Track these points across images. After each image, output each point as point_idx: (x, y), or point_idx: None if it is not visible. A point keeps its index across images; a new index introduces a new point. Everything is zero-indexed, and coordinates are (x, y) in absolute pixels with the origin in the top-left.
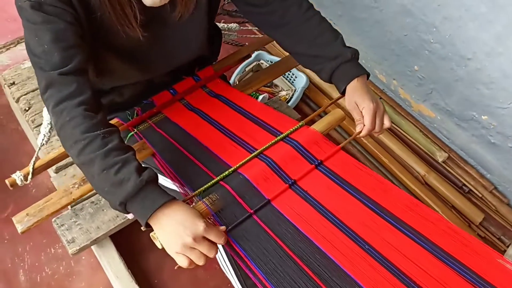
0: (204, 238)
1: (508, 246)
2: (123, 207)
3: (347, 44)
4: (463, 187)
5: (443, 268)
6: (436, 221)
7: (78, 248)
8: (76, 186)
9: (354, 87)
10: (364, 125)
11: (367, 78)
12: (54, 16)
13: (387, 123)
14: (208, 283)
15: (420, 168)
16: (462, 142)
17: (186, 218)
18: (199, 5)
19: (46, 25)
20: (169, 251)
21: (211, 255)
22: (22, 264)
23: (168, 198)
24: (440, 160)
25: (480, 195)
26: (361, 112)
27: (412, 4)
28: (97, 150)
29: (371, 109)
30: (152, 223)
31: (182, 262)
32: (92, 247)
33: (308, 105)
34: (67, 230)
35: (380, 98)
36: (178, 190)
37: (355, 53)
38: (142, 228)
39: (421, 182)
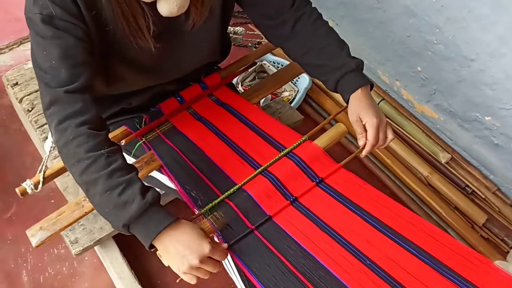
0: (209, 258)
1: (511, 247)
2: (126, 229)
3: (350, 45)
4: (466, 188)
5: (446, 283)
6: (438, 237)
7: (81, 248)
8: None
9: (358, 98)
10: (367, 140)
11: (371, 89)
12: (64, 31)
13: (390, 136)
14: (211, 284)
15: (423, 169)
16: (465, 143)
17: (192, 239)
18: (213, 13)
19: (55, 40)
20: (176, 271)
21: (215, 271)
22: (25, 264)
23: (172, 219)
24: (443, 161)
25: (483, 196)
26: (364, 126)
27: (415, 5)
28: (101, 170)
29: (374, 124)
30: (156, 244)
31: (190, 280)
32: (95, 247)
33: (311, 106)
34: (70, 230)
35: (383, 99)
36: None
37: (359, 64)
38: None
39: (424, 183)
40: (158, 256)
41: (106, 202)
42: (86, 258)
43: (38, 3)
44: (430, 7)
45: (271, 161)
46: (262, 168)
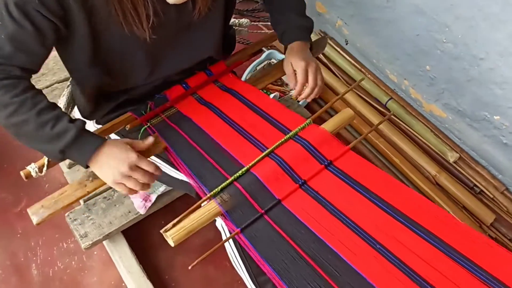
0: (138, 167)
1: None
2: (63, 155)
3: (358, 44)
4: (474, 187)
5: (455, 267)
6: (446, 220)
7: (90, 242)
8: (91, 179)
9: (291, 48)
10: (297, 82)
11: (311, 48)
12: (29, 19)
13: (319, 82)
14: (219, 280)
15: (431, 168)
16: (474, 142)
17: (120, 151)
18: (216, 5)
19: (16, 22)
20: (109, 182)
21: (145, 181)
22: (34, 258)
23: (102, 140)
24: (451, 160)
25: (492, 196)
26: (295, 75)
27: (424, 3)
28: (29, 111)
29: (302, 66)
30: (91, 164)
31: (122, 190)
32: (104, 242)
33: (319, 105)
34: (80, 224)
35: (391, 98)
36: (187, 181)
37: (304, 23)
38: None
39: (432, 182)
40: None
41: (39, 137)
42: (95, 252)
43: None
44: (439, 6)
45: (277, 143)
46: (269, 150)
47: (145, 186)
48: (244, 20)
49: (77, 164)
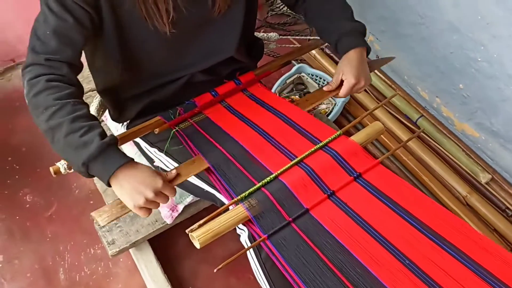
0: (161, 192)
1: None
2: (86, 169)
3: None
4: (506, 210)
5: (484, 287)
6: (477, 240)
7: (117, 250)
8: None
9: (347, 58)
10: (339, 93)
11: (368, 52)
12: (69, 12)
13: (359, 92)
14: None
15: (461, 189)
16: (507, 163)
17: (146, 175)
18: (237, 3)
19: (58, 16)
20: (129, 205)
21: (165, 203)
22: (62, 262)
23: (128, 159)
24: (483, 181)
25: None
26: (342, 80)
27: (459, 21)
28: (66, 116)
29: (351, 84)
30: (112, 182)
31: (144, 214)
32: (130, 250)
33: (348, 120)
34: (108, 231)
35: (422, 115)
36: (213, 192)
37: (357, 27)
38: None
39: (463, 203)
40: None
41: (68, 144)
42: (121, 259)
43: None
44: (475, 24)
45: (307, 153)
46: (298, 159)
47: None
48: (272, 34)
49: None
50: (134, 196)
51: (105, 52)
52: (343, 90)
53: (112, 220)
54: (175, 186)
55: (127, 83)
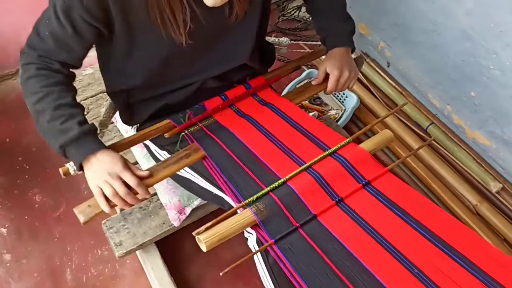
0: (119, 177)
1: None
2: (63, 151)
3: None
4: None
5: None
6: (487, 250)
7: (125, 251)
8: None
9: (331, 54)
10: (327, 87)
11: (353, 51)
12: (72, 24)
13: (350, 85)
14: None
15: (472, 198)
16: None
17: (111, 161)
18: (253, 8)
19: (60, 23)
20: (91, 186)
21: (122, 194)
22: (69, 263)
23: (101, 147)
24: (493, 190)
25: None
26: (327, 73)
27: (472, 29)
28: (50, 103)
29: (335, 76)
30: (85, 166)
31: (105, 206)
32: (137, 252)
33: (357, 126)
34: (116, 233)
35: (432, 123)
36: (220, 195)
37: (346, 29)
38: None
39: (473, 212)
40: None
41: (50, 128)
42: (128, 261)
43: None
44: (488, 32)
45: (316, 159)
46: (307, 164)
47: (123, 202)
48: (283, 39)
49: None
50: (94, 176)
51: (116, 57)
52: (329, 84)
53: (93, 217)
54: (188, 192)
55: (138, 87)
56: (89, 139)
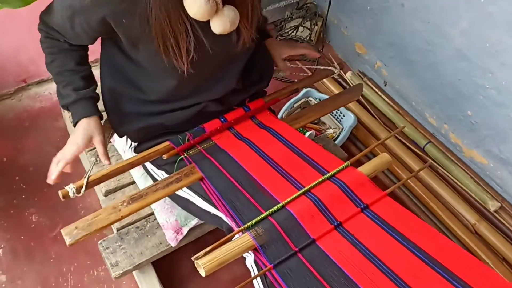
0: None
1: None
2: (66, 108)
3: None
4: None
5: None
6: (488, 276)
7: (121, 272)
8: (125, 204)
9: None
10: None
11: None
12: (70, 24)
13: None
14: None
15: (470, 217)
16: None
17: (84, 130)
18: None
19: (63, 20)
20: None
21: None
22: (65, 284)
23: (88, 115)
24: (492, 209)
25: None
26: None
27: (467, 49)
28: (55, 68)
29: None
30: (77, 124)
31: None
32: (133, 272)
33: (355, 145)
34: (112, 253)
35: (430, 141)
36: (220, 216)
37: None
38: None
39: (471, 231)
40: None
41: (57, 89)
42: (124, 282)
43: None
44: (483, 52)
45: (314, 183)
46: (305, 189)
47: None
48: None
49: (113, 192)
50: (72, 137)
51: (121, 55)
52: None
53: (79, 239)
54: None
55: (135, 98)
56: (81, 105)
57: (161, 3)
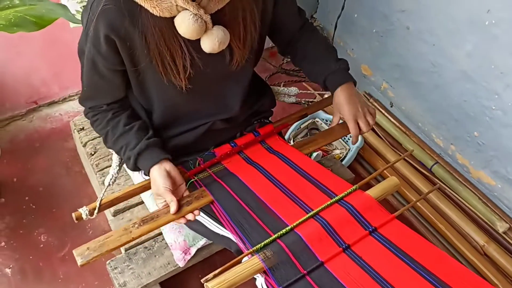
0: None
1: None
2: (136, 168)
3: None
4: None
5: None
6: None
7: None
8: (136, 226)
9: (337, 94)
10: (352, 133)
11: (355, 85)
12: (102, 77)
13: (370, 122)
14: None
15: (479, 238)
16: None
17: (159, 177)
18: (250, 56)
19: (91, 75)
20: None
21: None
22: None
23: (155, 163)
24: (500, 230)
25: None
26: (341, 117)
27: (473, 70)
28: (111, 140)
29: (351, 117)
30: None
31: (158, 203)
32: None
33: (362, 166)
34: (120, 273)
35: (437, 162)
36: (229, 236)
37: (341, 65)
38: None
39: (480, 253)
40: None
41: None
42: None
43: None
44: (489, 73)
45: (323, 206)
46: (314, 212)
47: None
48: (292, 89)
49: (122, 212)
50: (153, 186)
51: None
52: (350, 128)
53: (90, 260)
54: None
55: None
56: (144, 156)
57: (155, 23)
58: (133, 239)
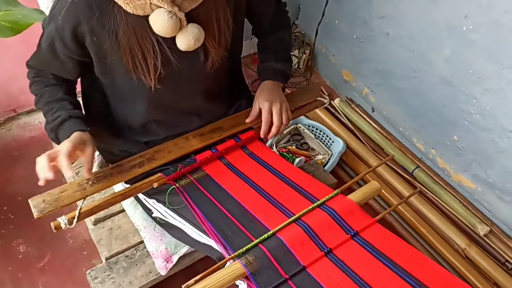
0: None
1: None
2: (55, 135)
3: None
4: (506, 263)
5: None
6: None
7: None
8: (90, 182)
9: (260, 88)
10: (262, 122)
11: (283, 89)
12: (56, 57)
13: (284, 121)
14: None
15: (460, 241)
16: (505, 216)
17: (79, 137)
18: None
19: (46, 52)
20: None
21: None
22: None
23: (76, 130)
24: (481, 233)
25: None
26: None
27: (452, 75)
28: (46, 99)
29: (266, 107)
30: None
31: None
32: None
33: (344, 170)
34: (100, 283)
35: (418, 166)
36: (211, 244)
37: (280, 66)
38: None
39: (462, 255)
40: None
41: (46, 120)
42: None
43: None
44: (467, 78)
45: (304, 210)
46: (296, 216)
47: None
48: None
49: (103, 221)
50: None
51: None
52: (263, 117)
53: (47, 213)
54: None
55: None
56: (73, 121)
57: (127, 21)
58: (87, 196)
